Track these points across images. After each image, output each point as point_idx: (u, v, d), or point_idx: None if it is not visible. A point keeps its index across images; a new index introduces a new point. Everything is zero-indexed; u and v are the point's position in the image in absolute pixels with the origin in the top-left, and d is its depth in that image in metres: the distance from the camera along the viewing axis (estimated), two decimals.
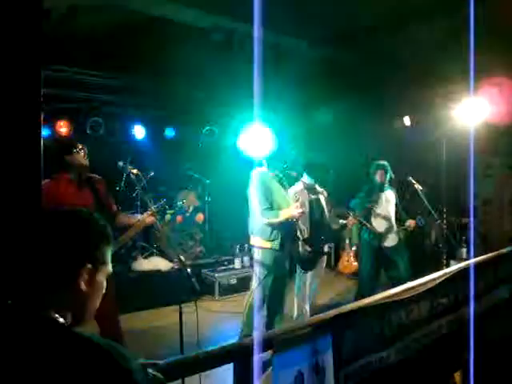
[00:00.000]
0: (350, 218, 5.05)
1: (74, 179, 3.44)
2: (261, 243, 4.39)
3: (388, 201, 5.31)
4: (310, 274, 4.99)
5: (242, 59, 5.52)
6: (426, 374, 2.75)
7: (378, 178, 5.26)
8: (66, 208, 1.27)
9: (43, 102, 1.71)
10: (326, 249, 4.97)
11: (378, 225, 5.26)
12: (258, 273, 4.39)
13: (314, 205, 4.89)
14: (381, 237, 5.23)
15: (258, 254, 4.42)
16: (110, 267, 1.26)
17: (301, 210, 4.31)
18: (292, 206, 4.34)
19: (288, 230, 4.41)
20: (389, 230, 5.26)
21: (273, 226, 4.33)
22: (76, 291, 1.16)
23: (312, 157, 5.07)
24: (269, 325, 4.46)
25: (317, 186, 5.00)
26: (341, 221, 5.06)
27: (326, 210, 4.96)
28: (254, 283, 4.42)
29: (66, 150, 3.39)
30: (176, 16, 4.91)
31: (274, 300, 4.54)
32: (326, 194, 5.09)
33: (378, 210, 5.25)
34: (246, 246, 6.59)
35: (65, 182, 3.40)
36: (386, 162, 5.31)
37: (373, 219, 5.27)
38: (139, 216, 3.75)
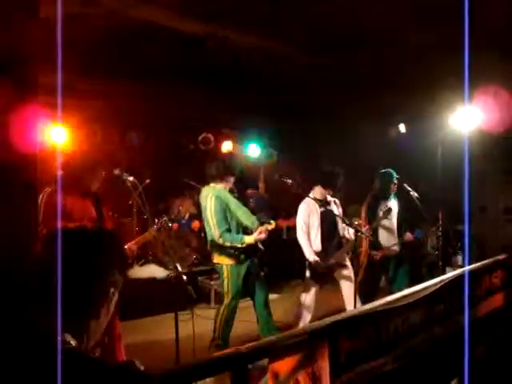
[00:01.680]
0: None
1: (78, 189, 3.41)
2: (224, 260, 4.36)
3: (393, 211, 5.27)
4: (343, 284, 4.90)
5: (236, 66, 5.56)
6: (422, 382, 2.74)
7: (392, 188, 5.23)
8: (92, 230, 1.21)
9: (40, 109, 1.72)
10: (345, 261, 4.88)
11: (382, 235, 5.20)
12: (227, 288, 4.38)
13: (326, 217, 4.84)
14: (383, 247, 5.19)
15: (224, 271, 4.38)
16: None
17: (263, 236, 4.25)
18: (258, 229, 4.27)
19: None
20: (391, 240, 5.23)
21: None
22: (97, 318, 1.15)
23: (322, 166, 5.04)
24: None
25: (328, 197, 4.94)
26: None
27: (339, 221, 4.88)
28: (227, 298, 4.40)
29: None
30: (170, 23, 4.92)
31: (262, 308, 4.52)
32: (338, 202, 5.04)
33: (383, 221, 5.18)
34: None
35: (68, 191, 3.37)
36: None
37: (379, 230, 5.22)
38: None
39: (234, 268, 4.36)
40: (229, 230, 4.28)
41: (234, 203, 4.34)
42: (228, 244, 4.25)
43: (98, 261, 1.16)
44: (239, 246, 4.25)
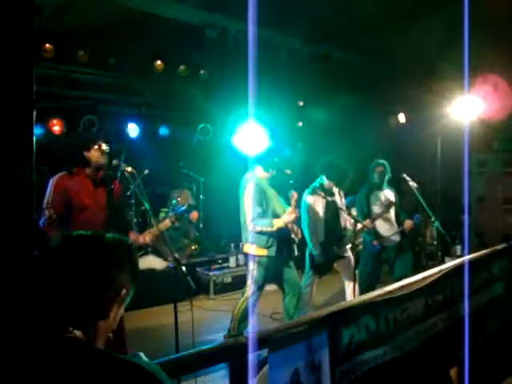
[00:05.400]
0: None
1: (91, 176, 3.41)
2: (256, 251, 4.28)
3: (387, 200, 5.23)
4: (343, 274, 4.94)
5: (236, 56, 5.52)
6: (421, 371, 2.75)
7: (376, 175, 5.20)
8: (94, 233, 1.21)
9: (36, 100, 1.69)
10: (345, 252, 4.89)
11: (379, 225, 5.15)
12: (254, 280, 4.27)
13: (330, 207, 4.83)
14: (381, 237, 5.18)
15: (254, 262, 4.30)
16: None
17: (294, 215, 4.20)
18: (287, 211, 4.21)
19: (283, 233, 4.31)
20: (391, 230, 5.21)
21: (266, 233, 4.25)
22: (104, 318, 1.18)
23: (330, 158, 5.00)
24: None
25: (333, 187, 4.94)
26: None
27: (341, 213, 4.89)
28: (249, 290, 4.29)
29: (85, 145, 3.37)
30: (169, 13, 4.88)
31: (293, 304, 4.44)
32: (342, 194, 5.04)
33: (377, 210, 5.14)
34: (241, 244, 6.57)
35: (81, 178, 3.36)
36: (385, 162, 5.25)
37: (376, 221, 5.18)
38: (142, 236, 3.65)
39: (262, 261, 4.27)
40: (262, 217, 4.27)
41: (271, 192, 4.38)
42: (258, 228, 4.20)
43: (108, 261, 1.19)
44: (269, 229, 4.19)
